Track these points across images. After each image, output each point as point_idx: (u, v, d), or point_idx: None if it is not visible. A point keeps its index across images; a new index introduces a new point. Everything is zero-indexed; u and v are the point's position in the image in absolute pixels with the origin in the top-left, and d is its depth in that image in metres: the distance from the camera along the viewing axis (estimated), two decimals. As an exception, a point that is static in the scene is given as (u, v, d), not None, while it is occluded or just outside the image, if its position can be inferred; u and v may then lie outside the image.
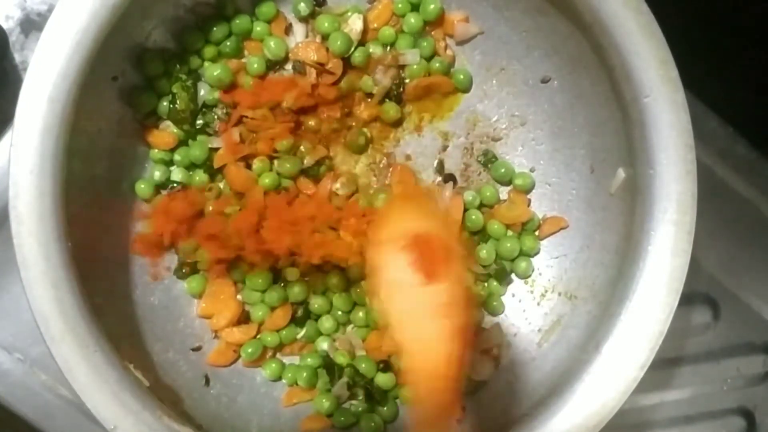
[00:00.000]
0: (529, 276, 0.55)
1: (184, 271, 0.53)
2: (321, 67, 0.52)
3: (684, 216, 0.45)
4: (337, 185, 0.54)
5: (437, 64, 0.54)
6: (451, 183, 0.55)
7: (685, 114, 0.45)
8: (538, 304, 0.54)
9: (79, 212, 0.45)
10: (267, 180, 0.52)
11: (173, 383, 0.50)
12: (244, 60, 0.53)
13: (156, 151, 0.52)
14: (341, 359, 0.53)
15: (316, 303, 0.54)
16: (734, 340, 0.62)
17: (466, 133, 0.56)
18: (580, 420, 0.45)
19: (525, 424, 0.46)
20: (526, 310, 0.55)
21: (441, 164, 0.56)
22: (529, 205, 0.55)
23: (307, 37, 0.54)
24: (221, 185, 0.53)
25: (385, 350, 0.53)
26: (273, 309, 0.53)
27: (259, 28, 0.53)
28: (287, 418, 0.53)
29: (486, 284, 0.55)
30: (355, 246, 0.52)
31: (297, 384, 0.53)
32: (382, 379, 0.53)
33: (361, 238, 0.53)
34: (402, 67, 0.54)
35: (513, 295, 0.55)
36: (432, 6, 0.53)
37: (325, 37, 0.53)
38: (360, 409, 0.53)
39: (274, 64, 0.53)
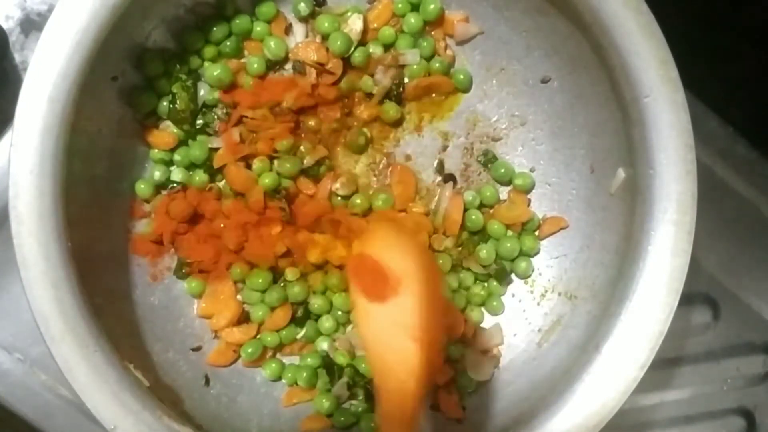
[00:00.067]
0: (529, 276, 0.55)
1: (184, 271, 0.53)
2: (321, 67, 0.52)
3: (684, 216, 0.45)
4: (337, 185, 0.54)
5: (437, 64, 0.54)
6: (451, 183, 0.55)
7: (685, 114, 0.45)
8: (538, 304, 0.54)
9: (79, 212, 0.45)
10: (267, 180, 0.52)
11: (173, 383, 0.50)
12: (244, 60, 0.53)
13: (156, 151, 0.52)
14: (341, 359, 0.53)
15: (316, 303, 0.54)
16: (734, 340, 0.62)
17: (466, 133, 0.56)
18: (580, 420, 0.45)
19: (525, 424, 0.46)
20: (526, 310, 0.55)
21: (441, 164, 0.56)
22: (529, 205, 0.55)
23: (307, 37, 0.54)
24: (221, 185, 0.53)
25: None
26: (273, 309, 0.53)
27: (259, 28, 0.53)
28: (287, 418, 0.53)
29: (486, 284, 0.55)
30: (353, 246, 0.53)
31: (297, 384, 0.53)
32: (382, 379, 0.53)
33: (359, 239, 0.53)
34: (402, 67, 0.54)
35: (513, 295, 0.55)
36: (432, 6, 0.53)
37: (325, 37, 0.53)
38: (360, 409, 0.53)
39: (274, 64, 0.53)
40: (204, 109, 0.52)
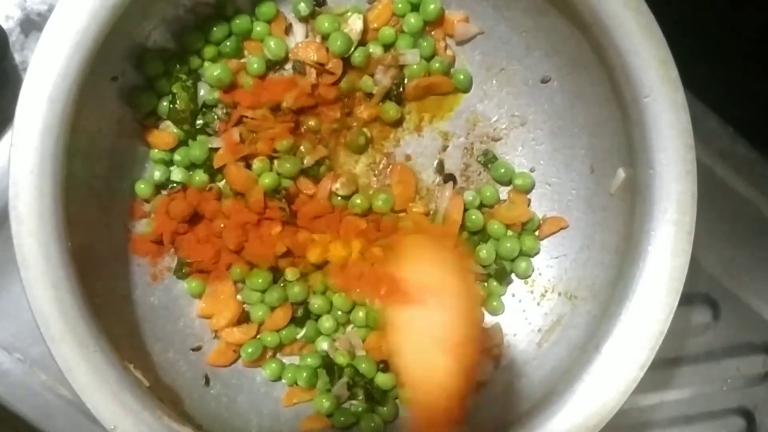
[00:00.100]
0: (529, 276, 0.55)
1: (184, 271, 0.53)
2: (321, 67, 0.52)
3: (684, 216, 0.45)
4: (337, 185, 0.54)
5: (437, 64, 0.54)
6: (451, 183, 0.55)
7: (685, 114, 0.45)
8: (538, 304, 0.54)
9: (79, 212, 0.45)
10: (267, 180, 0.52)
11: (173, 383, 0.50)
12: (244, 60, 0.53)
13: (156, 151, 0.52)
14: (341, 359, 0.53)
15: (316, 303, 0.54)
16: (734, 340, 0.62)
17: (466, 133, 0.56)
18: (580, 420, 0.45)
19: (525, 424, 0.46)
20: (526, 310, 0.55)
21: (441, 164, 0.56)
22: (529, 205, 0.55)
23: (307, 37, 0.54)
24: (221, 185, 0.53)
25: (385, 350, 0.53)
26: (273, 309, 0.53)
27: (259, 28, 0.53)
28: (287, 418, 0.53)
29: (486, 284, 0.55)
30: (353, 247, 0.53)
31: (297, 384, 0.53)
32: (382, 379, 0.53)
33: (358, 239, 0.53)
34: (402, 67, 0.54)
35: (513, 295, 0.55)
36: (432, 6, 0.53)
37: (325, 37, 0.53)
38: (360, 409, 0.53)
39: (274, 64, 0.53)
40: (204, 109, 0.52)
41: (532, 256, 0.55)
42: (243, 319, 0.54)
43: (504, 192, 0.56)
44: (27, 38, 0.59)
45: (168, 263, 0.53)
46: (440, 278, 0.39)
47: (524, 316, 0.54)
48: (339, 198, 0.54)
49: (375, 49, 0.54)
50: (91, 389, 0.42)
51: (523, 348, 0.53)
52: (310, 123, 0.54)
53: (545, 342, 0.52)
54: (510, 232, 0.55)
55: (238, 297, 0.54)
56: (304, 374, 0.53)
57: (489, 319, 0.55)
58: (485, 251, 0.54)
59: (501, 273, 0.54)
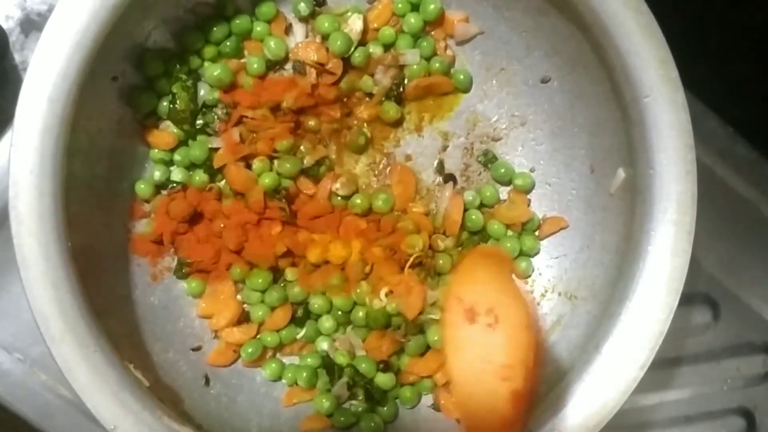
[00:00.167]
0: (529, 276, 0.55)
1: (184, 271, 0.53)
2: (321, 67, 0.52)
3: (684, 216, 0.45)
4: (337, 185, 0.54)
5: (437, 64, 0.54)
6: (451, 183, 0.55)
7: (685, 114, 0.45)
8: (538, 304, 0.54)
9: (79, 212, 0.45)
10: (267, 180, 0.52)
11: (173, 383, 0.50)
12: (244, 60, 0.53)
13: (156, 151, 0.52)
14: (341, 359, 0.53)
15: (316, 303, 0.53)
16: (734, 340, 0.62)
17: (466, 133, 0.56)
18: (580, 420, 0.45)
19: (525, 424, 0.46)
20: (526, 310, 0.54)
21: (441, 164, 0.56)
22: (529, 205, 0.55)
23: (307, 37, 0.54)
24: (221, 185, 0.53)
25: (385, 350, 0.53)
26: (273, 309, 0.53)
27: (259, 28, 0.53)
28: (287, 418, 0.53)
29: (486, 284, 0.55)
30: (353, 247, 0.53)
31: (297, 384, 0.53)
32: (382, 379, 0.53)
33: (358, 239, 0.53)
34: (402, 67, 0.54)
35: (513, 295, 0.55)
36: (432, 6, 0.53)
37: (325, 37, 0.53)
38: (360, 409, 0.53)
39: (274, 64, 0.53)
40: (204, 109, 0.52)
41: (532, 256, 0.55)
42: (243, 319, 0.54)
43: (504, 192, 0.56)
44: (27, 38, 0.59)
45: (168, 263, 0.53)
46: (500, 301, 0.38)
47: (524, 316, 0.54)
48: (339, 198, 0.54)
49: (375, 49, 0.54)
50: (91, 389, 0.42)
51: (523, 348, 0.53)
52: (310, 123, 0.54)
53: (545, 342, 0.52)
54: (510, 232, 0.55)
55: (238, 297, 0.54)
56: (304, 374, 0.53)
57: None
58: (485, 251, 0.54)
59: (501, 273, 0.54)
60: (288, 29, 0.53)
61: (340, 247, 0.53)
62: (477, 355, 0.37)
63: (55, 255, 0.42)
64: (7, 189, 0.42)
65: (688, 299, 0.60)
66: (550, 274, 0.54)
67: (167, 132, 0.52)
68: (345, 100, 0.54)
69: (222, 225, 0.52)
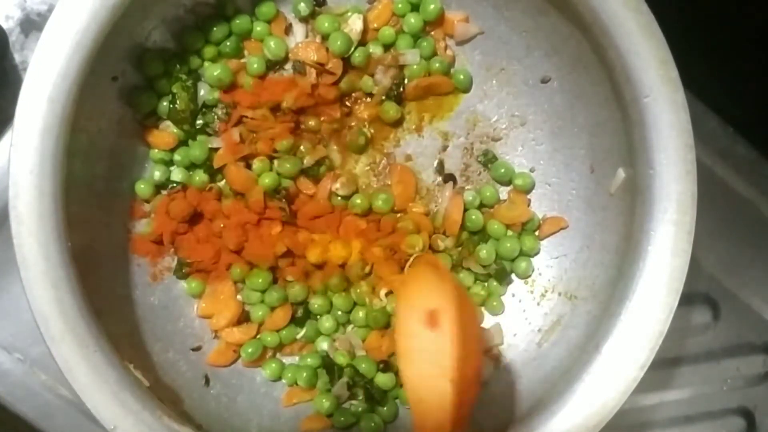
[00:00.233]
0: (529, 276, 0.55)
1: (184, 271, 0.53)
2: (321, 67, 0.52)
3: (684, 216, 0.45)
4: (337, 185, 0.54)
5: (437, 64, 0.54)
6: (451, 183, 0.55)
7: (685, 114, 0.45)
8: (538, 304, 0.54)
9: (79, 212, 0.45)
10: (267, 180, 0.52)
11: (173, 383, 0.50)
12: (244, 60, 0.53)
13: (156, 151, 0.52)
14: (341, 359, 0.53)
15: (316, 303, 0.54)
16: (734, 340, 0.62)
17: (466, 133, 0.56)
18: (580, 420, 0.45)
19: (525, 424, 0.46)
20: (526, 310, 0.55)
21: (441, 164, 0.56)
22: (529, 205, 0.55)
23: (307, 37, 0.54)
24: (221, 185, 0.53)
25: (385, 350, 0.53)
26: (273, 309, 0.53)
27: (259, 28, 0.53)
28: (287, 418, 0.53)
29: (486, 284, 0.55)
30: (353, 247, 0.53)
31: (297, 384, 0.53)
32: (382, 379, 0.53)
33: (358, 239, 0.53)
34: (402, 67, 0.54)
35: (513, 295, 0.55)
36: (432, 6, 0.53)
37: (325, 37, 0.53)
38: (360, 409, 0.53)
39: (274, 64, 0.53)
40: (204, 109, 0.52)
41: (532, 256, 0.55)
42: (243, 319, 0.54)
43: (504, 192, 0.56)
44: (27, 38, 0.59)
45: (168, 263, 0.53)
46: (441, 303, 0.40)
47: (524, 316, 0.54)
48: (339, 198, 0.54)
49: (375, 49, 0.54)
50: (91, 389, 0.42)
51: (523, 348, 0.53)
52: (310, 123, 0.54)
53: (545, 342, 0.52)
54: (510, 232, 0.55)
55: (238, 297, 0.54)
56: (304, 374, 0.53)
57: (489, 319, 0.55)
58: (485, 251, 0.54)
59: (501, 273, 0.54)
60: (288, 29, 0.53)
61: (340, 247, 0.53)
62: (426, 359, 0.39)
63: (55, 255, 0.42)
64: (7, 189, 0.42)
65: (688, 299, 0.60)
66: (550, 274, 0.54)
67: (167, 132, 0.52)
68: (345, 100, 0.54)
69: (222, 225, 0.52)
